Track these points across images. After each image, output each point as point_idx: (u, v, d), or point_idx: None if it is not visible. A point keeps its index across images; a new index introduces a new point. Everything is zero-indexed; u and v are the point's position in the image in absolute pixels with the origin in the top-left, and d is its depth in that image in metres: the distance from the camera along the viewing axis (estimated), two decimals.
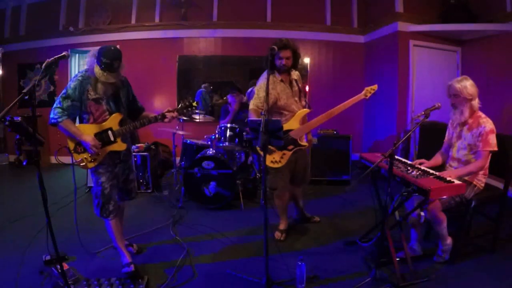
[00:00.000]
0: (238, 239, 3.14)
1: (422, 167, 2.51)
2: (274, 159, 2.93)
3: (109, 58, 2.22)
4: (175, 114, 2.55)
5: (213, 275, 2.51)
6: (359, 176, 2.32)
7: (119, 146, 2.48)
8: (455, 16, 4.99)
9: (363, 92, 3.00)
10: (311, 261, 2.63)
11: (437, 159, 2.81)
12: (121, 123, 2.48)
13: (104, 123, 2.42)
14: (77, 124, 2.41)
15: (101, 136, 2.40)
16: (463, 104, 2.56)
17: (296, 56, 2.98)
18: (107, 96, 2.41)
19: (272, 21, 6.26)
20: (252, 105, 2.95)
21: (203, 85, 6.25)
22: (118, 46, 2.40)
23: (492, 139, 2.45)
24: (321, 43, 6.37)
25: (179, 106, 2.64)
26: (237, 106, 4.63)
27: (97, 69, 2.26)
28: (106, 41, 6.03)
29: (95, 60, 2.27)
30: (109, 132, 2.42)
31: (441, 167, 2.74)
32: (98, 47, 2.31)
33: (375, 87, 3.03)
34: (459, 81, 2.55)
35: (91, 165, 2.42)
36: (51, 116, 2.28)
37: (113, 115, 2.44)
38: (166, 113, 2.54)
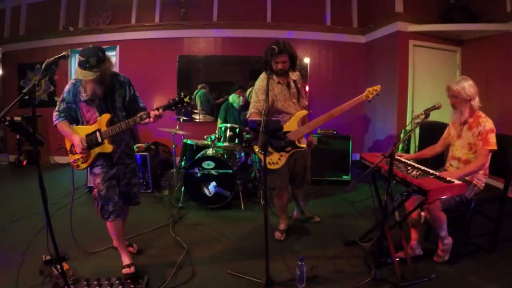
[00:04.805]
0: (238, 239, 3.14)
1: (418, 165, 2.52)
2: (272, 161, 2.91)
3: (84, 55, 2.21)
4: (158, 112, 2.35)
5: (213, 275, 2.51)
6: (359, 176, 2.32)
7: (106, 148, 2.41)
8: (455, 16, 4.99)
9: (365, 93, 2.89)
10: (311, 261, 2.63)
11: (424, 152, 2.87)
12: (109, 123, 2.41)
13: (94, 125, 2.42)
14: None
15: (90, 138, 2.40)
16: (462, 105, 2.57)
17: (293, 59, 2.90)
18: (99, 97, 2.38)
19: (272, 21, 6.24)
20: (252, 108, 2.90)
21: (199, 86, 6.22)
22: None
23: (492, 138, 2.46)
24: (321, 43, 6.36)
25: (167, 103, 2.43)
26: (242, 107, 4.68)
27: (76, 68, 2.28)
28: (106, 41, 6.02)
29: None
30: (97, 133, 2.40)
31: (435, 164, 2.74)
32: None
33: (377, 87, 2.88)
34: (458, 82, 2.56)
35: (83, 166, 2.46)
36: (53, 118, 2.43)
37: (102, 116, 2.41)
38: (150, 112, 2.38)
